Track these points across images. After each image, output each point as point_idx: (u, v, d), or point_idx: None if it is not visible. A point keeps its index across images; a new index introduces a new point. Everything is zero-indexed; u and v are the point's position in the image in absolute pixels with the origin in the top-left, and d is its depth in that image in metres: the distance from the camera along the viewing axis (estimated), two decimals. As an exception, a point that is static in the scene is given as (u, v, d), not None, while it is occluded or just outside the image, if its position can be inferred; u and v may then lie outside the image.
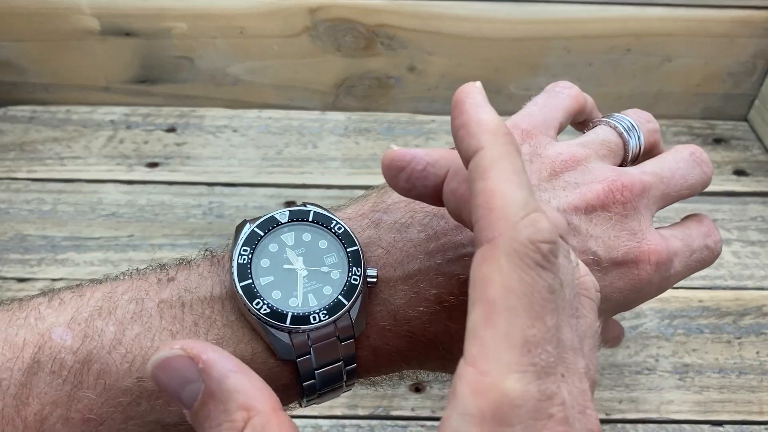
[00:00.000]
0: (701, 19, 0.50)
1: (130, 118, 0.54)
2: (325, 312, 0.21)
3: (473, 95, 0.18)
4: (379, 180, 0.53)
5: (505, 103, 0.55)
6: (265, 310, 0.21)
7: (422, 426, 0.34)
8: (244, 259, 0.22)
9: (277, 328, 0.21)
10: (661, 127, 0.54)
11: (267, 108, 0.56)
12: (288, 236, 0.23)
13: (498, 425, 0.13)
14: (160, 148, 0.51)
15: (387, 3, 0.50)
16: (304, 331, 0.21)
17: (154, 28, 0.51)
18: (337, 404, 0.35)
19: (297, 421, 0.34)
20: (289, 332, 0.21)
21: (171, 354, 0.16)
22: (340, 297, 0.22)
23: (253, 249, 0.22)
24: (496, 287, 0.14)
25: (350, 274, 0.22)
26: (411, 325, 0.22)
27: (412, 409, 0.35)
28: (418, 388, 0.36)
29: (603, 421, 0.35)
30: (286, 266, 0.22)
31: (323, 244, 0.23)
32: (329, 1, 0.50)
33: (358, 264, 0.22)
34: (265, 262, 0.22)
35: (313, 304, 0.22)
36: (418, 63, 0.53)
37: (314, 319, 0.21)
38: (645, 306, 0.40)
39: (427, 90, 0.55)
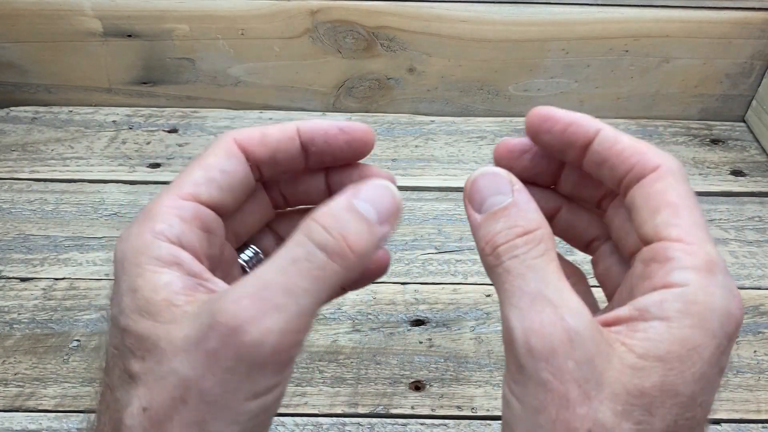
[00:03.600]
0: (699, 21, 0.51)
1: (132, 119, 0.54)
2: None
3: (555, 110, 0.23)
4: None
5: (504, 104, 0.55)
6: None
7: (422, 424, 0.34)
8: None
9: None
10: (659, 128, 0.55)
11: (268, 109, 0.56)
12: None
13: (708, 272, 0.19)
14: (162, 149, 0.52)
15: (387, 5, 0.50)
16: None
17: (155, 30, 0.51)
18: (337, 402, 0.35)
19: (296, 420, 0.34)
20: None
21: (498, 171, 0.21)
22: None
23: None
24: (674, 195, 0.20)
25: None
26: None
27: (412, 408, 0.35)
28: (417, 387, 0.36)
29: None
30: None
31: None
32: (330, 3, 0.50)
33: None
34: None
35: None
36: (418, 64, 0.53)
37: None
38: (643, 305, 0.41)
39: (426, 91, 0.55)
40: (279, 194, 0.26)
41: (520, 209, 0.20)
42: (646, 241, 0.20)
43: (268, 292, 0.18)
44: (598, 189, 0.24)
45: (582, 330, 0.18)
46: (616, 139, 0.21)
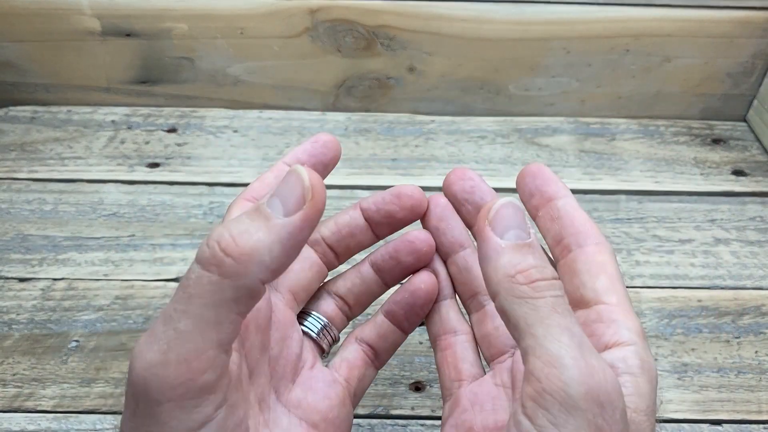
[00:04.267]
0: (700, 20, 0.50)
1: (131, 119, 0.54)
2: None
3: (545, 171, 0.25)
4: (379, 180, 0.52)
5: (505, 103, 0.55)
6: None
7: (422, 425, 0.34)
8: None
9: None
10: (660, 128, 0.55)
11: (267, 108, 0.56)
12: None
13: (643, 338, 0.21)
14: (161, 149, 0.51)
15: (387, 4, 0.50)
16: None
17: (154, 29, 0.51)
18: (337, 403, 0.35)
19: (297, 420, 0.34)
20: None
21: (522, 207, 0.21)
22: None
23: None
24: (611, 268, 0.23)
25: None
26: None
27: (412, 408, 0.35)
28: (417, 388, 0.36)
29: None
30: None
31: None
32: (329, 1, 0.50)
33: None
34: None
35: None
36: (418, 63, 0.53)
37: None
38: (644, 305, 0.41)
39: (427, 90, 0.55)
40: (328, 250, 0.28)
41: (539, 254, 0.20)
42: (584, 302, 0.22)
43: (154, 322, 0.18)
44: None
45: (619, 384, 0.18)
46: (576, 208, 0.24)
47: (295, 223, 0.18)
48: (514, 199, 0.21)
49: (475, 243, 0.24)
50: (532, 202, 0.25)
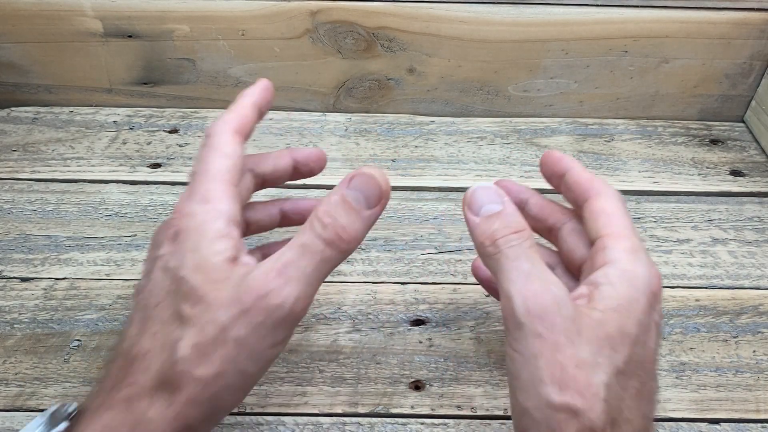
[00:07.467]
0: (698, 21, 0.51)
1: (132, 120, 0.54)
2: None
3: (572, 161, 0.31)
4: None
5: (504, 104, 0.56)
6: None
7: (422, 424, 0.34)
8: None
9: None
10: (658, 129, 0.55)
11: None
12: None
13: (633, 253, 0.27)
14: (163, 149, 0.52)
15: (387, 5, 0.50)
16: None
17: (156, 30, 0.52)
18: (337, 402, 0.35)
19: (297, 419, 0.34)
20: None
21: (492, 186, 0.28)
22: None
23: None
24: (609, 207, 0.28)
25: None
26: None
27: (412, 407, 0.35)
28: (417, 386, 0.36)
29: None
30: None
31: None
32: (330, 3, 0.50)
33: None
34: None
35: None
36: (418, 65, 0.53)
37: None
38: (642, 305, 0.41)
39: (426, 91, 0.55)
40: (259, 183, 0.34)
41: (509, 214, 0.27)
42: (592, 240, 0.28)
43: (288, 269, 0.25)
44: (545, 222, 0.32)
45: (563, 297, 0.25)
46: (580, 173, 0.30)
47: (375, 214, 0.27)
48: (486, 182, 0.28)
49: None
50: (552, 182, 0.31)
